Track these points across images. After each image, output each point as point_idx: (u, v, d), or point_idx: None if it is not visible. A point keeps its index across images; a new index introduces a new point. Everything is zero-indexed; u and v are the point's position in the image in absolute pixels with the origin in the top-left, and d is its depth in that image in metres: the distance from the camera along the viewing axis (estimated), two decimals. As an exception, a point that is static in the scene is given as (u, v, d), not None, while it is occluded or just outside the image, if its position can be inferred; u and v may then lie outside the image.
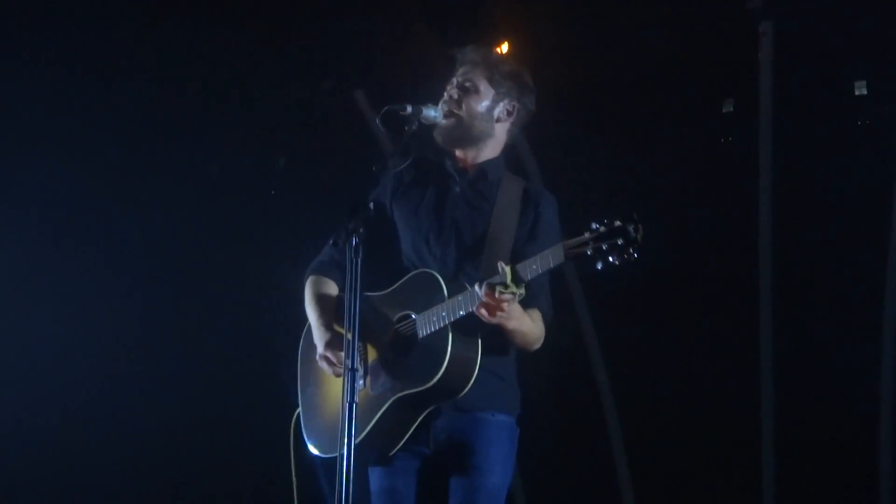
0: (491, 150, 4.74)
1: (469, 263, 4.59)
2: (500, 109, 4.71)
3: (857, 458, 7.08)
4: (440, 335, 4.39)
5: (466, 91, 4.67)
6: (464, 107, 4.66)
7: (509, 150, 4.83)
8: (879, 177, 6.97)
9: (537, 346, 4.57)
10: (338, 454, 4.01)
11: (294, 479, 4.73)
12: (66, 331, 7.57)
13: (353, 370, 4.04)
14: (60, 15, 7.00)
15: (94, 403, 7.62)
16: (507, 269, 4.24)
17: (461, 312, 4.36)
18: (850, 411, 7.04)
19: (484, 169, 4.72)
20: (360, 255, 4.12)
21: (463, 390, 4.40)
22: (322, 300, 4.70)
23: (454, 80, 4.69)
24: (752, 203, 7.24)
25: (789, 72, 7.00)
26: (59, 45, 7.13)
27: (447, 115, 4.64)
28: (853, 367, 7.04)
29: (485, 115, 4.69)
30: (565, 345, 4.79)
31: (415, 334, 4.48)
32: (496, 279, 4.24)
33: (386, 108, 4.53)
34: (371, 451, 4.54)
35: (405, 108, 4.52)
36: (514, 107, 4.73)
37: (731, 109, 7.15)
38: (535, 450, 5.24)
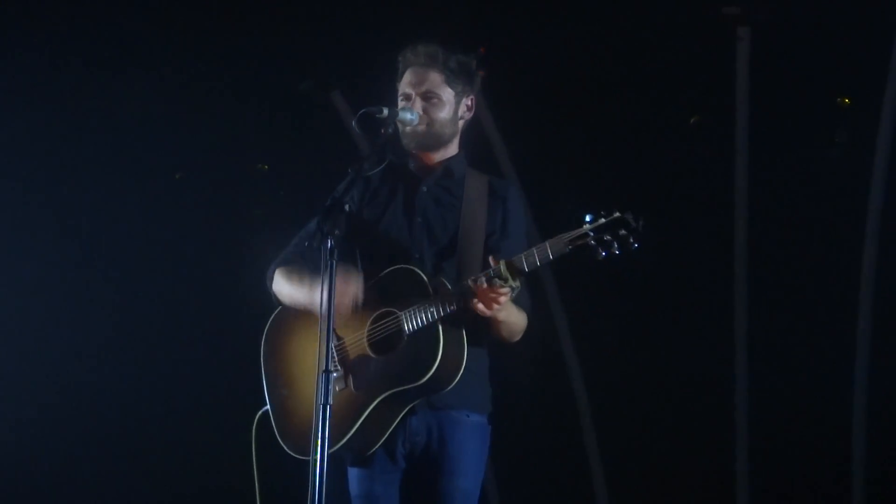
0: (453, 147, 4.78)
1: (445, 261, 4.61)
2: (462, 109, 4.76)
3: (830, 455, 7.12)
4: (428, 331, 4.41)
5: (430, 102, 4.68)
6: (432, 117, 4.67)
7: (484, 149, 4.85)
8: (856, 180, 7.00)
9: (519, 337, 4.61)
10: (310, 458, 4.03)
11: (256, 481, 4.72)
12: (50, 331, 7.59)
13: (327, 371, 4.06)
14: (43, 17, 7.00)
15: (82, 403, 7.63)
16: (502, 264, 4.28)
17: (451, 308, 4.38)
18: (824, 406, 7.08)
19: (448, 167, 4.75)
20: (336, 256, 4.15)
21: (448, 386, 4.43)
22: (306, 280, 4.67)
23: (411, 92, 4.68)
24: (728, 205, 7.27)
25: (766, 77, 7.03)
26: (49, 44, 7.13)
27: (417, 125, 4.66)
28: (827, 362, 7.08)
29: (451, 120, 4.72)
30: (539, 342, 4.80)
31: (400, 331, 4.48)
32: (493, 273, 4.28)
33: (362, 110, 4.55)
34: (351, 451, 4.54)
35: (381, 111, 4.53)
36: (472, 100, 4.77)
37: (707, 116, 7.18)
38: (509, 448, 5.26)
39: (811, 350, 7.08)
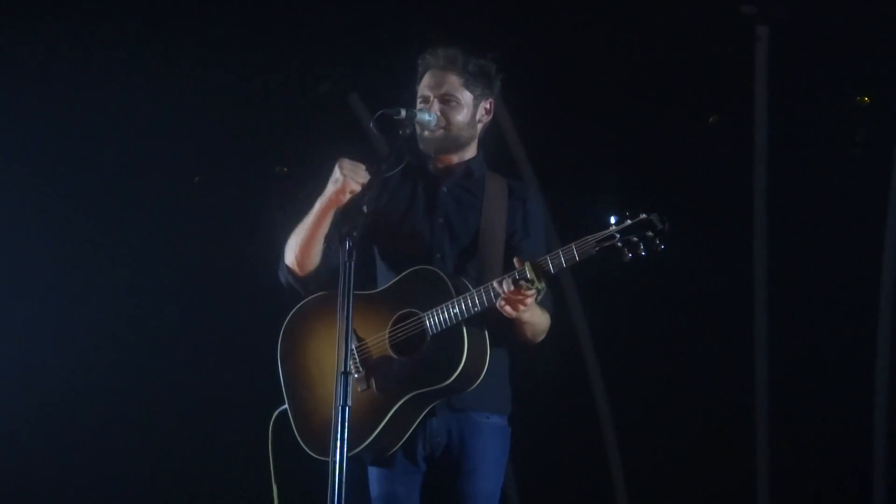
0: (472, 149, 4.77)
1: (467, 261, 4.61)
2: (480, 112, 4.75)
3: (852, 452, 7.09)
4: (453, 332, 4.40)
5: (449, 105, 4.68)
6: (450, 120, 4.67)
7: (502, 151, 4.85)
8: (876, 180, 6.98)
9: (542, 337, 4.61)
10: (329, 459, 4.02)
11: (273, 480, 4.72)
12: (52, 328, 7.60)
13: (346, 373, 4.05)
14: (63, 18, 7.02)
15: (100, 403, 7.64)
16: (528, 266, 4.27)
17: (476, 309, 4.38)
18: (845, 404, 7.06)
19: (469, 167, 4.75)
20: (354, 258, 4.15)
21: (471, 386, 4.43)
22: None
23: (429, 95, 4.68)
24: (747, 204, 7.25)
25: (785, 76, 7.01)
26: (67, 45, 7.15)
27: (435, 128, 4.66)
28: (848, 360, 7.06)
29: (470, 123, 4.71)
30: (559, 343, 4.79)
31: (424, 331, 4.47)
32: (519, 275, 4.27)
33: (380, 111, 4.55)
34: (372, 452, 4.54)
35: (399, 112, 4.53)
36: (490, 104, 4.77)
37: (726, 115, 7.16)
38: (529, 450, 5.25)
39: (831, 348, 7.06)
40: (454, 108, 4.68)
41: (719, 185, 7.20)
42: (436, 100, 4.67)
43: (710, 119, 7.17)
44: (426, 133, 4.66)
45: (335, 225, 4.27)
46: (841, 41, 6.70)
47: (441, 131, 4.67)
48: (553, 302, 4.64)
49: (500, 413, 4.63)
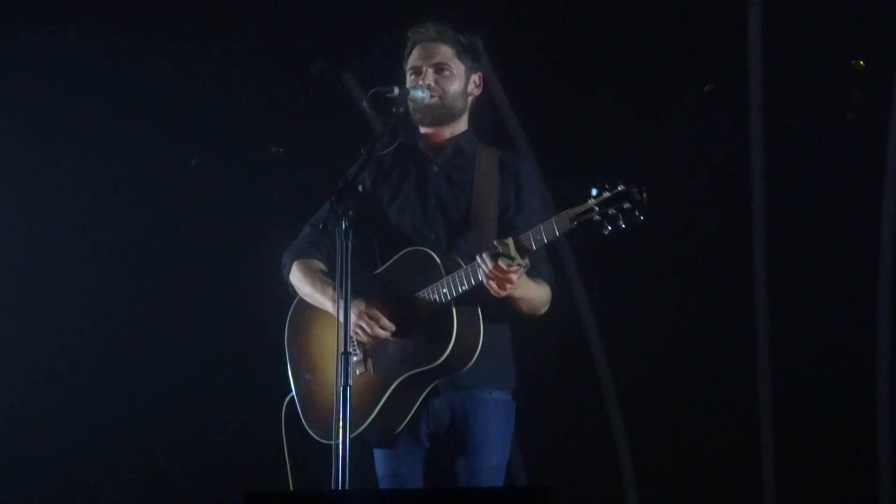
0: (463, 122, 4.77)
1: (459, 239, 4.61)
2: (471, 85, 4.76)
3: (856, 438, 7.09)
4: (443, 311, 4.42)
5: (442, 74, 4.68)
6: (444, 89, 4.67)
7: (495, 123, 4.85)
8: (872, 143, 6.96)
9: (544, 310, 4.61)
10: (333, 442, 4.04)
11: (288, 465, 4.74)
12: (71, 317, 7.62)
13: (346, 353, 4.07)
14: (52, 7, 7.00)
15: (107, 390, 7.64)
16: (511, 242, 4.26)
17: (463, 287, 4.39)
18: (847, 371, 7.06)
19: (459, 144, 4.75)
20: (350, 237, 4.15)
21: (468, 364, 4.43)
22: (319, 277, 4.69)
23: (421, 65, 4.67)
24: (744, 172, 7.23)
25: (779, 42, 6.99)
26: (57, 30, 7.13)
27: (430, 97, 4.65)
28: (851, 328, 7.06)
29: (462, 93, 4.72)
30: (561, 318, 4.79)
31: (417, 312, 4.49)
32: (500, 252, 4.26)
33: (373, 90, 4.55)
34: (376, 433, 4.55)
35: (392, 90, 4.53)
36: (479, 78, 4.78)
37: (720, 83, 7.13)
38: (535, 425, 5.25)
39: (833, 319, 7.05)
40: (448, 78, 4.69)
41: (716, 152, 7.18)
42: (429, 69, 4.67)
43: (706, 87, 7.14)
44: (424, 102, 4.65)
45: (331, 205, 4.26)
46: (834, 4, 6.68)
47: (436, 100, 4.67)
48: (552, 273, 4.64)
49: (503, 388, 4.63)
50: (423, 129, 4.75)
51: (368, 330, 4.50)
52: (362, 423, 4.48)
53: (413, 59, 4.71)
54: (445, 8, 4.90)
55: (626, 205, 4.12)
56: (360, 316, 4.49)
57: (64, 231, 7.61)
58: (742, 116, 7.14)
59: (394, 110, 4.54)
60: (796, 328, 7.15)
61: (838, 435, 7.05)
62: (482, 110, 4.83)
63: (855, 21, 6.69)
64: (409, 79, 4.70)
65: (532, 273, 4.46)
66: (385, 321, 4.50)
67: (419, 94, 4.61)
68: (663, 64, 7.09)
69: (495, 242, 4.30)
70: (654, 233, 4.94)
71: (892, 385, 7.03)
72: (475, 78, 4.75)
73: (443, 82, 4.67)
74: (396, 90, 4.54)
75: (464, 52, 4.71)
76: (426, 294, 4.46)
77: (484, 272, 4.31)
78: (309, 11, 7.20)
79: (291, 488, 4.72)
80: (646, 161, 7.02)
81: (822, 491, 7.06)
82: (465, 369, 4.45)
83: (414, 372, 4.46)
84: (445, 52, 4.70)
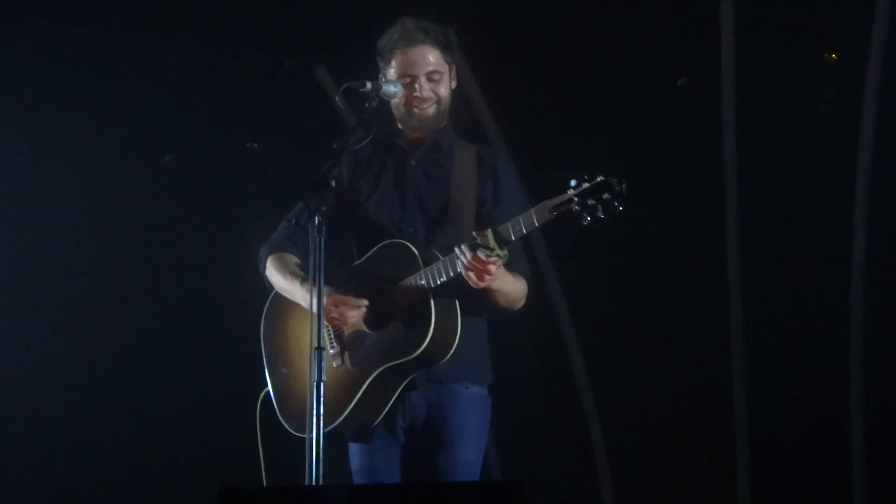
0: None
1: (437, 233, 4.62)
2: (454, 79, 4.77)
3: (830, 433, 7.11)
4: (421, 303, 4.42)
5: (434, 80, 4.68)
6: (440, 95, 4.69)
7: (470, 118, 4.86)
8: (845, 136, 6.98)
9: (521, 304, 4.63)
10: (306, 436, 4.04)
11: (262, 459, 4.74)
12: (39, 320, 7.59)
13: (318, 349, 4.07)
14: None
15: (79, 389, 7.61)
16: (490, 233, 4.27)
17: (442, 279, 4.40)
18: (821, 359, 7.07)
19: (437, 139, 4.76)
20: (323, 233, 4.15)
21: (445, 357, 4.44)
22: (292, 271, 4.69)
23: (417, 74, 4.65)
24: (717, 170, 7.24)
25: (751, 35, 7.00)
26: (30, 30, 7.10)
27: (427, 107, 4.66)
28: (823, 320, 7.07)
29: (451, 93, 4.74)
30: (536, 313, 4.80)
31: (393, 305, 4.49)
32: (479, 243, 4.27)
33: (345, 84, 4.54)
34: (352, 427, 4.56)
35: (364, 85, 4.53)
36: (454, 70, 4.77)
37: (693, 76, 7.14)
38: (511, 420, 5.26)
39: (806, 309, 7.07)
40: (440, 82, 4.70)
41: (689, 145, 7.19)
42: (423, 79, 4.66)
43: (679, 81, 7.15)
44: (415, 110, 4.66)
45: (304, 201, 4.26)
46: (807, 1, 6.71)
47: (434, 107, 4.69)
48: (529, 267, 4.65)
49: (479, 383, 4.65)
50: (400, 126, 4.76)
51: (338, 315, 4.50)
52: (338, 417, 4.49)
53: (403, 66, 4.68)
54: (420, 2, 4.88)
55: (606, 195, 4.14)
56: (332, 303, 4.49)
57: (34, 229, 7.57)
58: (715, 109, 7.15)
59: (366, 105, 4.54)
60: (770, 319, 7.17)
61: (811, 427, 7.08)
62: (457, 104, 4.82)
63: (827, 14, 6.70)
64: (400, 85, 4.64)
65: (509, 267, 4.48)
66: (354, 300, 4.49)
67: (391, 89, 4.61)
68: (637, 57, 7.10)
69: (474, 233, 4.32)
70: (629, 227, 4.95)
71: (865, 381, 7.05)
72: (453, 72, 4.76)
73: (437, 89, 4.69)
74: (369, 85, 4.54)
75: (446, 50, 4.71)
76: (404, 286, 4.47)
77: (463, 263, 4.32)
78: (283, 6, 7.19)
79: (265, 483, 4.71)
80: (620, 154, 7.04)
81: (794, 480, 7.10)
82: (442, 362, 4.46)
83: (391, 364, 4.46)
84: (434, 56, 4.69)
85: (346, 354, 4.57)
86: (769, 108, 7.01)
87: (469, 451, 4.59)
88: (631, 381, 7.46)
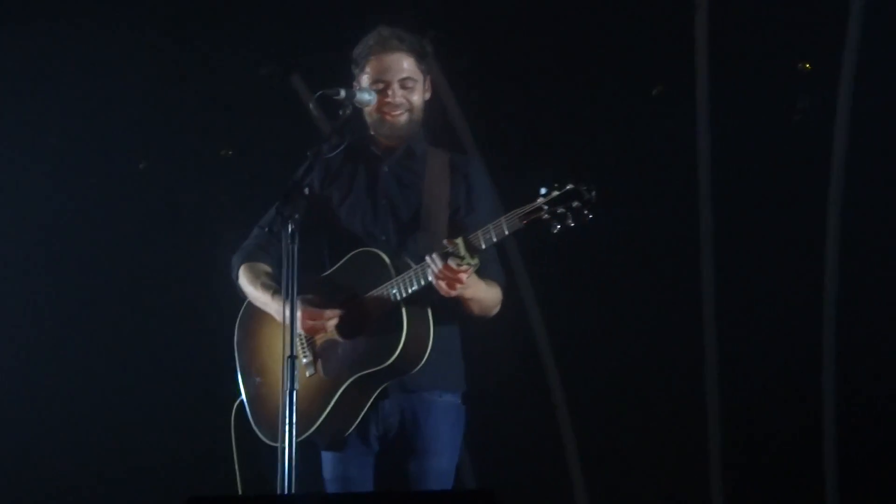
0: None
1: (409, 240, 4.63)
2: (428, 90, 4.76)
3: (802, 431, 7.14)
4: (393, 312, 4.42)
5: (408, 87, 4.68)
6: (413, 103, 4.69)
7: (444, 125, 4.86)
8: (818, 146, 7.01)
9: (496, 311, 4.64)
10: (279, 445, 4.03)
11: (237, 468, 4.73)
12: (17, 324, 7.56)
13: (291, 357, 4.06)
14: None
15: (55, 395, 7.60)
16: (460, 242, 4.27)
17: (413, 288, 4.40)
18: (793, 364, 7.10)
19: (410, 146, 4.76)
20: (297, 241, 4.14)
21: (417, 366, 4.45)
22: (263, 281, 4.69)
23: (390, 80, 4.65)
24: (691, 179, 7.26)
25: (725, 44, 7.02)
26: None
27: (400, 114, 4.66)
28: (796, 324, 7.10)
29: (424, 102, 4.74)
30: (510, 320, 4.80)
31: (365, 314, 4.48)
32: (450, 251, 4.27)
33: (319, 92, 4.54)
34: (325, 435, 4.55)
35: (339, 93, 4.52)
36: (430, 80, 4.77)
37: (667, 85, 7.17)
38: (484, 428, 5.26)
39: (779, 317, 7.09)
40: (413, 91, 4.70)
41: (664, 154, 7.21)
42: (397, 85, 4.66)
43: (654, 91, 7.17)
44: (388, 118, 4.66)
45: (277, 208, 4.26)
46: (780, 6, 6.72)
47: (405, 116, 4.68)
48: (503, 274, 4.65)
49: (452, 391, 4.65)
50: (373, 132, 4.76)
51: (312, 323, 4.50)
52: (311, 426, 4.49)
53: (377, 72, 4.67)
54: (395, 11, 4.89)
55: (575, 203, 4.15)
56: (306, 316, 4.48)
57: (3, 237, 7.55)
58: (689, 118, 7.17)
59: (340, 112, 4.53)
60: (743, 323, 7.19)
61: (784, 429, 7.11)
62: (432, 114, 4.83)
63: (801, 23, 6.73)
64: (374, 93, 4.63)
65: (482, 274, 4.48)
66: (329, 311, 4.49)
67: (365, 97, 4.60)
68: (612, 66, 7.11)
69: (445, 242, 4.32)
70: (603, 233, 4.96)
71: (838, 381, 7.08)
72: (428, 81, 4.76)
73: (410, 96, 4.68)
74: (343, 92, 4.52)
75: (420, 59, 4.71)
76: (376, 295, 4.46)
77: (433, 272, 4.32)
78: (258, 14, 7.18)
79: (241, 492, 4.71)
80: (593, 161, 7.05)
81: (768, 482, 7.12)
82: (415, 371, 4.46)
83: (363, 373, 4.46)
84: (408, 63, 4.68)
85: (319, 363, 4.56)
86: (743, 117, 7.03)
87: (442, 460, 4.60)
88: (605, 387, 7.47)
